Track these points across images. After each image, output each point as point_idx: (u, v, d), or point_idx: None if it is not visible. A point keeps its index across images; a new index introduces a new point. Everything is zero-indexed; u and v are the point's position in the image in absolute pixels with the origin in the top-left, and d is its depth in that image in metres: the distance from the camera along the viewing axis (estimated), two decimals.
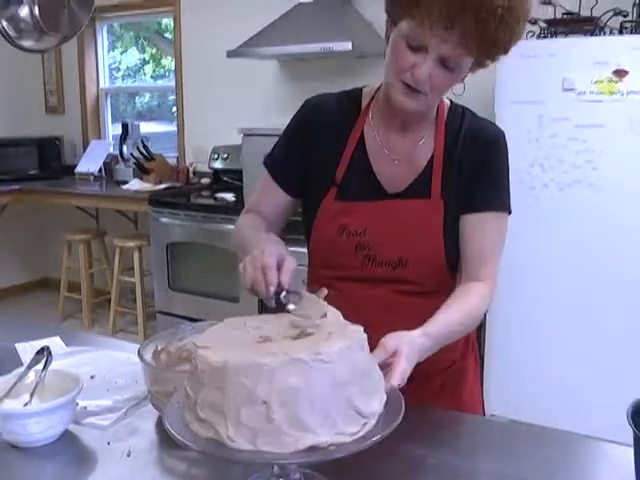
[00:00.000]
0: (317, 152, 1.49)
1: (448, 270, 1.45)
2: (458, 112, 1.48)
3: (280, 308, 1.20)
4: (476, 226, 1.42)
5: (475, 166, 1.43)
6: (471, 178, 1.42)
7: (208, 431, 0.98)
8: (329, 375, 0.98)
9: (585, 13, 3.21)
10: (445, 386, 1.54)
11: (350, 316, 1.22)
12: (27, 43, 1.87)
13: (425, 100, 1.34)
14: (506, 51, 1.29)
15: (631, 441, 0.99)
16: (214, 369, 0.98)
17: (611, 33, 3.14)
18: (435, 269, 1.43)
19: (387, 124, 1.46)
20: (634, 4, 3.11)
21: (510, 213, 1.46)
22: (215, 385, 0.98)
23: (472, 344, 1.61)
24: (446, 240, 1.42)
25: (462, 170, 1.43)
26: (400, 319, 1.28)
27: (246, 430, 0.96)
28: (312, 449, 0.95)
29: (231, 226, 4.30)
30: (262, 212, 1.57)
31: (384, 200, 1.44)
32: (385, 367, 1.14)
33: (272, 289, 1.19)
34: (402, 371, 1.11)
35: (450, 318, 1.30)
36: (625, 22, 3.10)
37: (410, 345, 1.17)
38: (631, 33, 3.08)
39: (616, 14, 3.12)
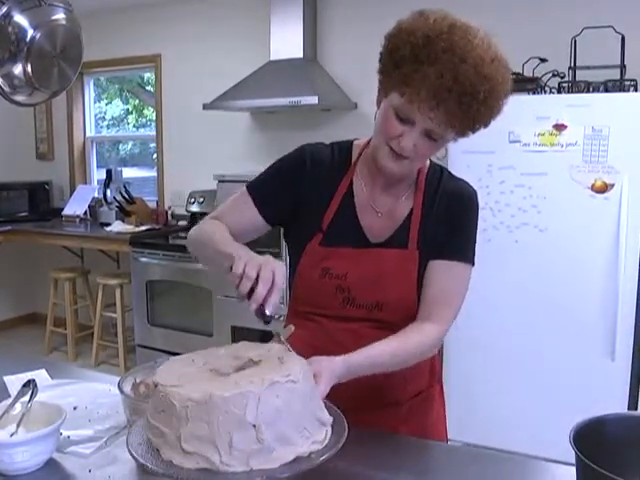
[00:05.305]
0: (306, 198, 1.46)
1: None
2: (437, 171, 1.49)
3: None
4: (440, 272, 1.42)
5: (449, 220, 1.43)
6: (444, 231, 1.43)
7: (197, 462, 0.97)
8: (300, 392, 1.02)
9: (528, 74, 3.30)
10: (412, 412, 1.53)
11: (327, 346, 1.27)
12: (20, 98, 1.86)
13: (409, 165, 1.35)
14: (486, 125, 1.30)
15: (574, 460, 1.01)
16: (198, 404, 0.97)
17: (551, 92, 3.24)
18: (407, 311, 1.43)
19: (373, 179, 1.46)
20: (569, 67, 3.21)
21: (473, 265, 1.46)
22: (201, 418, 0.97)
23: (437, 375, 1.62)
24: (419, 286, 1.43)
25: (438, 224, 1.43)
26: None
27: (239, 454, 0.96)
28: (296, 460, 0.99)
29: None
30: (229, 225, 1.46)
31: (366, 248, 1.44)
32: None
33: (271, 309, 1.17)
34: (321, 392, 1.13)
35: (377, 351, 1.29)
36: (562, 82, 3.19)
37: (330, 369, 1.18)
38: (567, 92, 3.17)
39: (554, 75, 3.22)
